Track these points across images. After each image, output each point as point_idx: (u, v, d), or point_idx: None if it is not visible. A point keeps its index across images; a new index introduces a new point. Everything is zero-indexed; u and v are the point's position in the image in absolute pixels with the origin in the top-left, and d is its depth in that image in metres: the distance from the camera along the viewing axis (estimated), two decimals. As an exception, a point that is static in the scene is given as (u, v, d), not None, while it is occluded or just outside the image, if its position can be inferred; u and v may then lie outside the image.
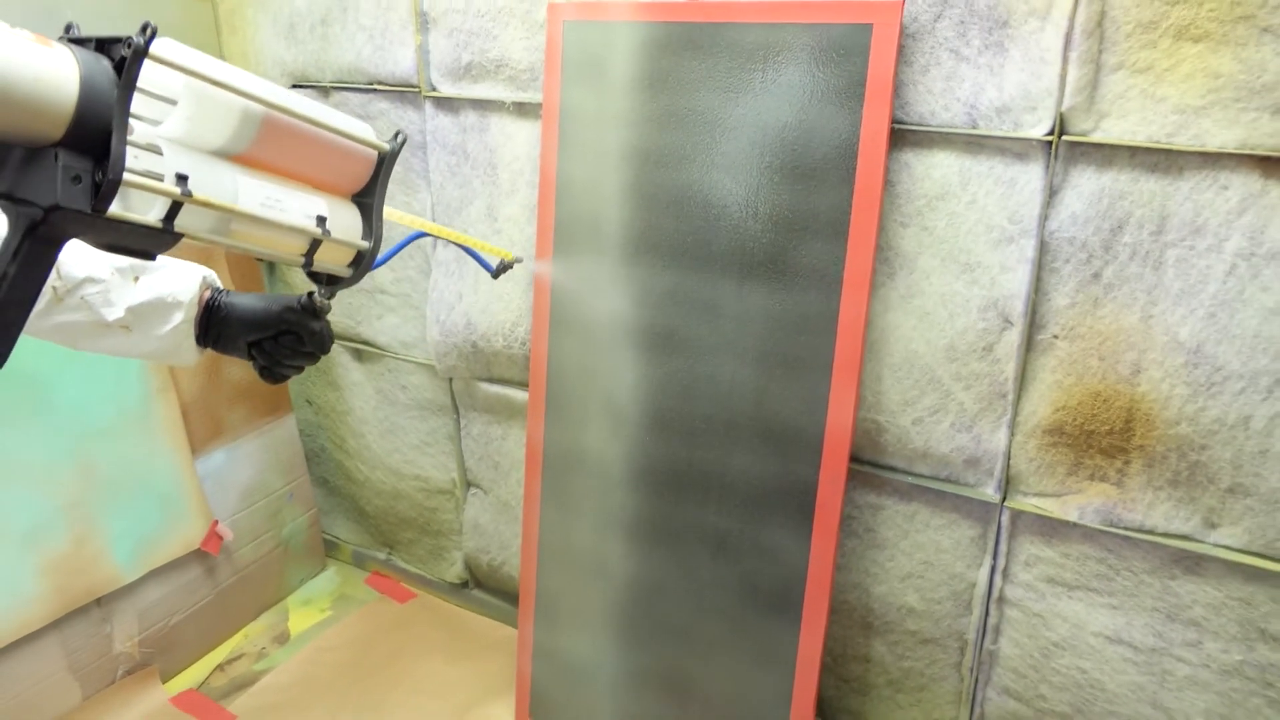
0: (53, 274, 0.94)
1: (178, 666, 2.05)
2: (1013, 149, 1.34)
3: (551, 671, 1.86)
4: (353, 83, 1.94)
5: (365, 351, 2.20)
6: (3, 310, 0.63)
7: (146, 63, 0.64)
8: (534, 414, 1.76)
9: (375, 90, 1.92)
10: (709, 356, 1.56)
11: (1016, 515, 1.51)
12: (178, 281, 1.04)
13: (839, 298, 1.43)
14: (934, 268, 1.45)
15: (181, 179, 0.71)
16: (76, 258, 0.97)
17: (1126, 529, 1.41)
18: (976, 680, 1.65)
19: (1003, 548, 1.54)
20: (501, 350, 1.92)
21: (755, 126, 1.45)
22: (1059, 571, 1.51)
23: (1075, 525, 1.46)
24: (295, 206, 0.83)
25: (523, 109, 1.74)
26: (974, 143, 1.37)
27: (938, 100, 1.37)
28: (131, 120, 0.64)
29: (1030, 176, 1.34)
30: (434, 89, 1.84)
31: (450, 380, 2.08)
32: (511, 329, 1.89)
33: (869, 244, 1.40)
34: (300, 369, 1.08)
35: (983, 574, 1.58)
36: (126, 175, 0.64)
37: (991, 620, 1.60)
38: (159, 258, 1.00)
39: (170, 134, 0.72)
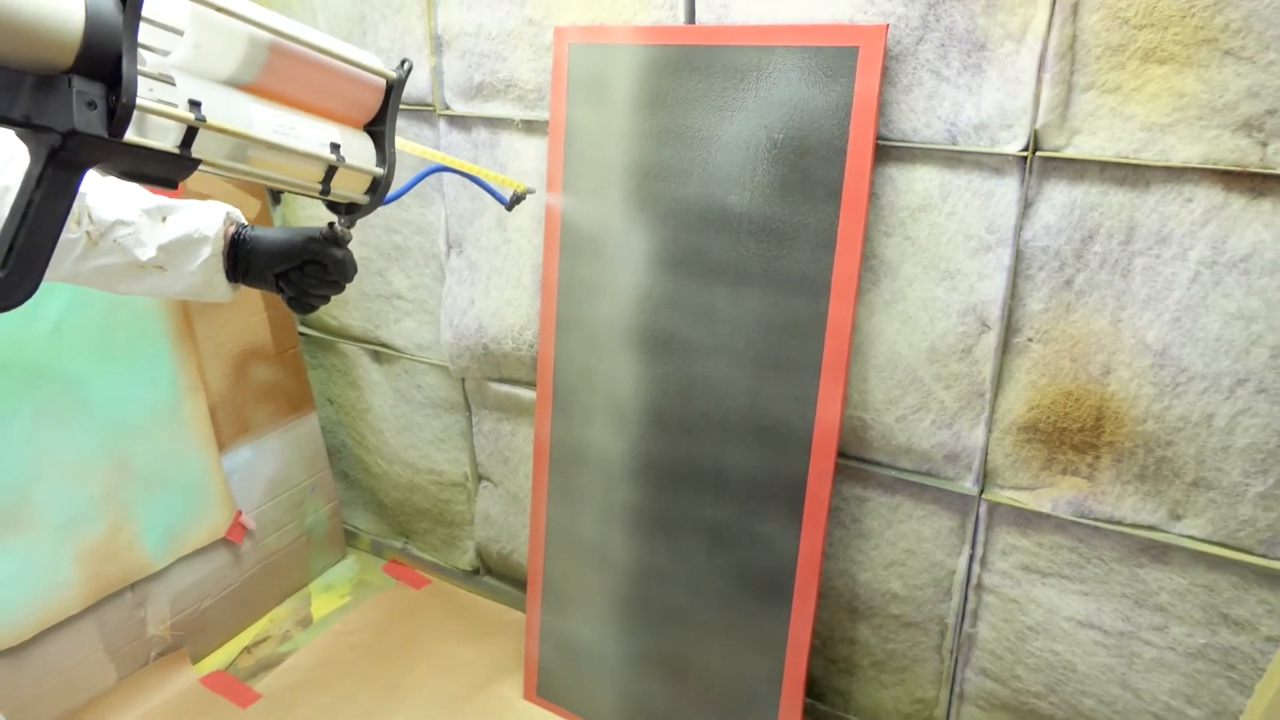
0: (85, 219, 0.94)
1: (207, 649, 2.05)
2: (990, 164, 1.34)
3: (557, 653, 1.86)
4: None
5: (383, 353, 2.20)
6: (31, 237, 0.61)
7: None
8: (541, 412, 1.76)
9: (392, 108, 1.92)
10: (706, 358, 1.56)
11: (993, 507, 1.51)
12: (203, 218, 1.02)
13: (827, 303, 1.43)
14: (916, 275, 1.45)
15: (194, 104, 0.69)
16: (106, 202, 0.96)
17: (1097, 520, 1.41)
18: (956, 662, 1.65)
19: (980, 537, 1.54)
20: (511, 352, 1.92)
21: (748, 142, 1.45)
22: (1033, 560, 1.51)
23: (1049, 516, 1.46)
24: (309, 134, 0.82)
25: (530, 126, 1.74)
26: (954, 158, 1.37)
27: (920, 118, 1.37)
28: (141, 51, 0.62)
29: (1006, 189, 1.34)
30: (448, 107, 1.84)
31: (463, 380, 2.08)
32: (520, 332, 1.89)
33: (855, 253, 1.40)
34: (326, 298, 1.07)
35: (962, 562, 1.58)
36: (140, 100, 0.62)
37: (970, 605, 1.60)
38: (186, 201, 0.95)
39: (179, 63, 0.70)
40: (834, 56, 1.36)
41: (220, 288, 1.06)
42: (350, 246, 1.04)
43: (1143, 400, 1.32)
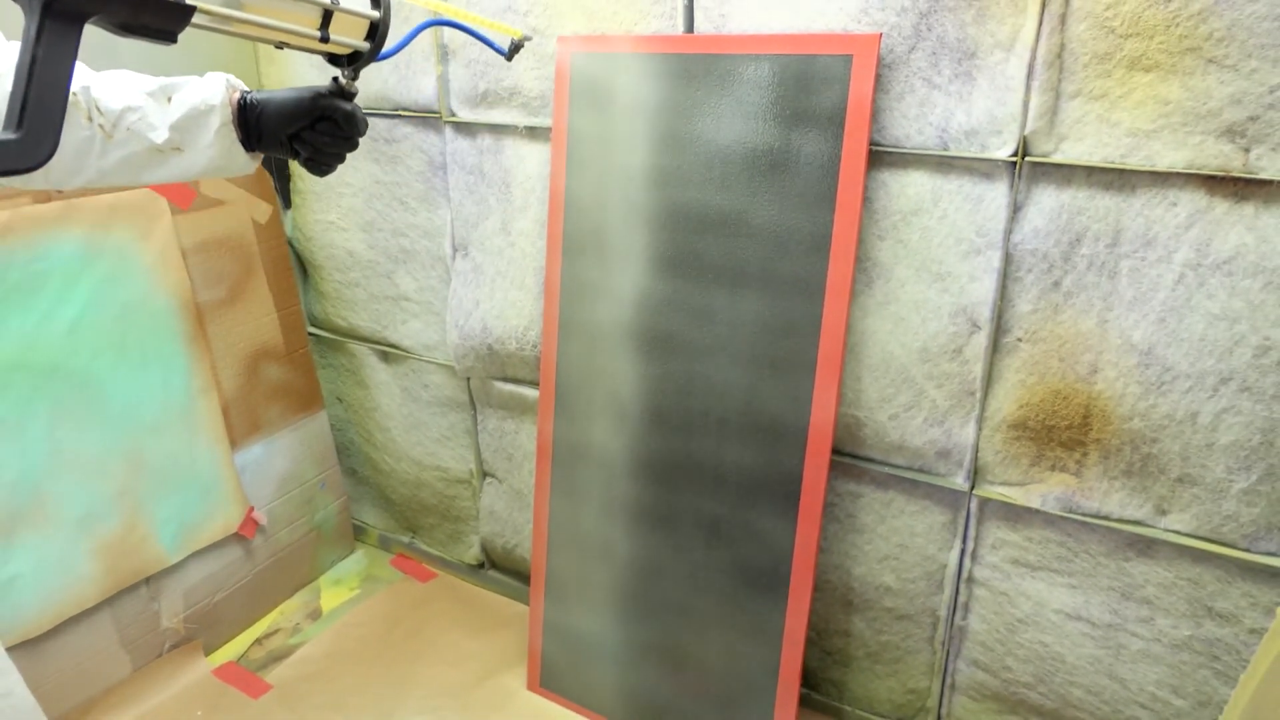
0: (94, 113, 0.93)
1: (219, 641, 2.05)
2: (980, 169, 1.34)
3: (560, 645, 1.86)
4: (380, 109, 1.94)
5: (391, 353, 2.20)
6: (41, 93, 0.59)
7: None
8: (544, 410, 1.76)
9: (400, 116, 1.93)
10: (704, 358, 1.56)
11: (984, 502, 1.51)
12: (205, 88, 1.01)
13: (822, 304, 1.43)
14: (908, 277, 1.45)
15: None
16: (110, 92, 0.95)
17: (1084, 515, 1.41)
18: (948, 653, 1.65)
19: (971, 532, 1.54)
20: (515, 352, 1.92)
21: (746, 148, 1.45)
22: (1023, 554, 1.51)
23: (1038, 511, 1.46)
24: None
25: (534, 133, 1.74)
26: (945, 163, 1.37)
27: (912, 124, 1.37)
28: None
29: (996, 194, 1.34)
30: (453, 115, 1.84)
31: (468, 379, 2.08)
32: (524, 332, 1.89)
33: (849, 255, 1.40)
34: (342, 156, 1.05)
35: (953, 556, 1.58)
36: None
37: (961, 598, 1.60)
38: (187, 78, 0.91)
39: None
40: (829, 65, 1.36)
41: (240, 158, 1.04)
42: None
43: (1129, 399, 1.32)
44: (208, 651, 2.01)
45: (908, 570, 1.63)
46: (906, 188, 1.40)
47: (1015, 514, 1.49)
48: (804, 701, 1.81)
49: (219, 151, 1.02)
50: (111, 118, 0.94)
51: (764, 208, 1.45)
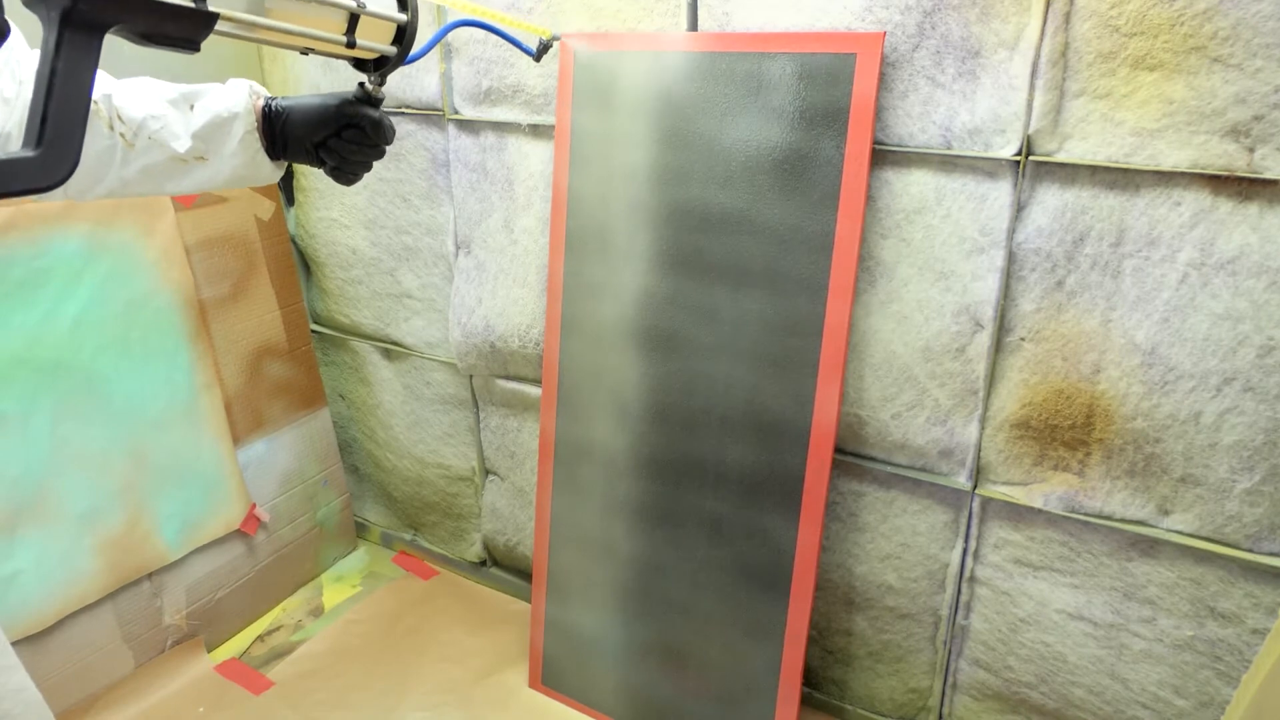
0: (116, 121, 0.91)
1: (222, 637, 2.05)
2: (984, 168, 1.34)
3: (561, 642, 1.86)
4: (384, 106, 1.94)
5: (394, 351, 2.20)
6: (61, 108, 0.57)
7: None
8: (546, 408, 1.76)
9: (404, 113, 1.92)
10: (707, 357, 1.56)
11: (986, 502, 1.51)
12: (228, 96, 0.99)
13: (825, 303, 1.43)
14: (911, 276, 1.44)
15: None
16: (132, 100, 0.93)
17: (1087, 515, 1.41)
18: (950, 652, 1.65)
19: (974, 531, 1.54)
20: (517, 350, 1.92)
21: (749, 147, 1.45)
22: (1025, 553, 1.51)
23: (1040, 511, 1.46)
24: None
25: (537, 130, 1.74)
26: (948, 162, 1.36)
27: (915, 123, 1.37)
28: None
29: (1000, 193, 1.34)
30: (456, 112, 1.84)
31: (470, 377, 2.08)
32: (526, 330, 1.89)
33: (852, 254, 1.40)
34: (369, 165, 1.02)
35: (955, 555, 1.57)
36: None
37: (963, 598, 1.60)
38: (209, 86, 0.89)
39: None
40: (832, 63, 1.36)
41: (265, 167, 1.02)
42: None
43: (1132, 398, 1.32)
44: (210, 648, 2.01)
45: (910, 569, 1.63)
46: (910, 186, 1.40)
47: (1018, 513, 1.49)
48: (805, 700, 1.81)
49: (243, 160, 1.00)
50: (133, 126, 0.92)
51: (767, 206, 1.45)
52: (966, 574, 1.57)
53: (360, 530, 2.48)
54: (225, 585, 2.03)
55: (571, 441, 1.75)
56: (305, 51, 0.85)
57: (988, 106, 1.30)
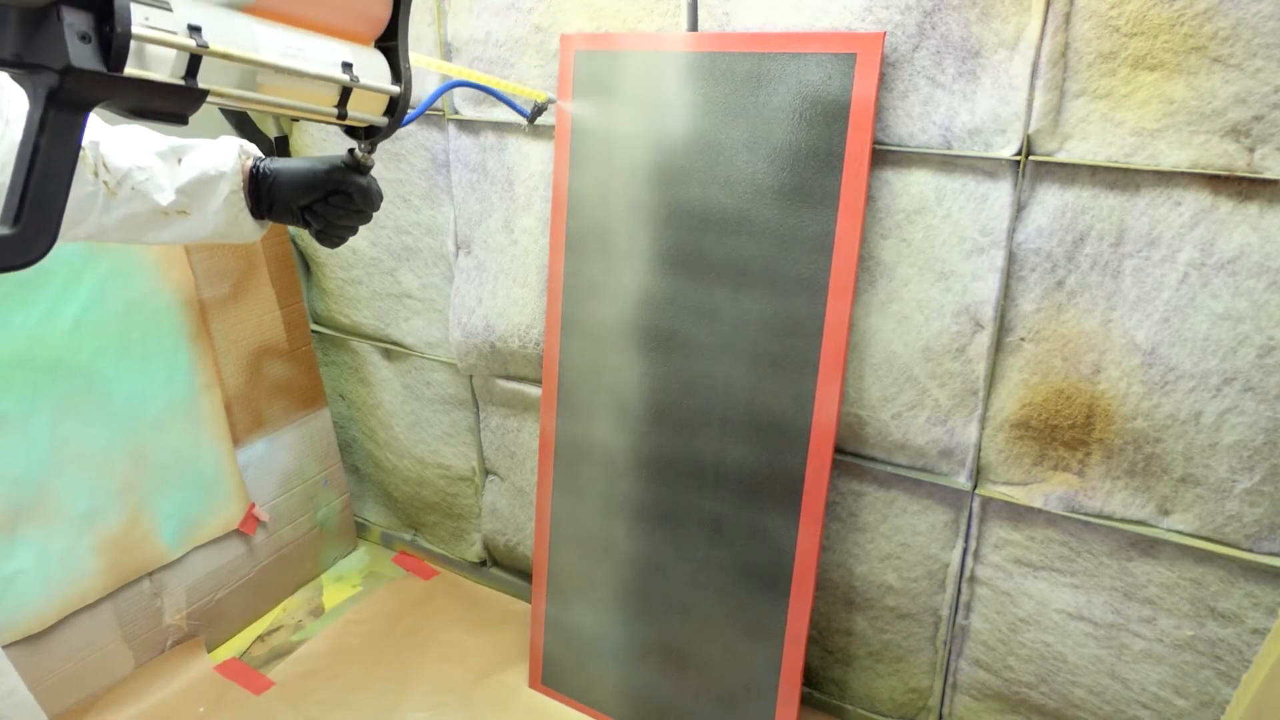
0: (100, 169, 0.90)
1: (222, 637, 2.06)
2: (984, 168, 1.34)
3: (561, 642, 1.86)
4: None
5: (394, 351, 2.20)
6: (42, 186, 0.56)
7: None
8: (546, 408, 1.76)
9: (403, 113, 1.92)
10: (707, 357, 1.56)
11: (986, 502, 1.51)
12: (217, 154, 0.98)
13: (825, 303, 1.43)
14: (912, 276, 1.44)
15: (194, 30, 0.63)
16: (119, 149, 0.92)
17: (1087, 515, 1.41)
18: (950, 652, 1.65)
19: (974, 531, 1.54)
20: (517, 350, 1.92)
21: (749, 147, 1.45)
22: (1025, 553, 1.51)
23: (1040, 511, 1.46)
24: (319, 55, 0.76)
25: (537, 130, 1.74)
26: (948, 162, 1.36)
27: (915, 123, 1.37)
28: None
29: (1000, 193, 1.34)
30: (456, 112, 1.84)
31: (470, 377, 2.08)
32: (526, 331, 1.89)
33: (852, 254, 1.40)
34: (354, 229, 1.02)
35: (955, 555, 1.57)
36: (135, 29, 0.57)
37: (963, 598, 1.60)
38: (199, 140, 0.88)
39: None
40: (832, 63, 1.36)
41: (247, 226, 1.01)
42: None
43: (1132, 398, 1.32)
44: (210, 648, 2.01)
45: (910, 569, 1.63)
46: (910, 186, 1.40)
47: (1018, 513, 1.49)
48: (805, 700, 1.81)
49: (226, 219, 1.00)
50: (117, 175, 0.92)
51: (767, 206, 1.45)
52: (967, 574, 1.57)
53: (360, 530, 2.48)
54: (225, 585, 2.03)
55: (572, 441, 1.75)
56: (295, 119, 0.83)
57: (988, 106, 1.30)
